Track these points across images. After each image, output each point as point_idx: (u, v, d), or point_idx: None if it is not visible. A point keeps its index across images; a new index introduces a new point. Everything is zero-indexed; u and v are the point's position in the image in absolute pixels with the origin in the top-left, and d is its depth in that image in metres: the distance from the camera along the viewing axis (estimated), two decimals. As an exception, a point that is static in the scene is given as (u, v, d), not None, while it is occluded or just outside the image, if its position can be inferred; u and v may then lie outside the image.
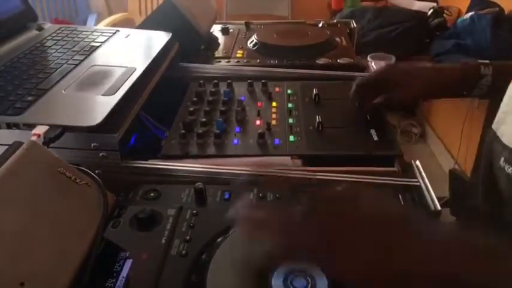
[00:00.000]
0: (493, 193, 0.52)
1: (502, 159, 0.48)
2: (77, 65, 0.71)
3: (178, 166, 0.60)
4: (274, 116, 0.73)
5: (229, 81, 0.81)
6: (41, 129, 0.52)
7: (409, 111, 2.50)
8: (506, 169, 0.47)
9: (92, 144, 0.57)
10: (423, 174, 0.58)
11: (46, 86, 0.64)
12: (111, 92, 0.62)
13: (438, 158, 2.26)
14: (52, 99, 0.61)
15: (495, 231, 0.48)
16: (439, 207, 0.52)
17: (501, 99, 0.54)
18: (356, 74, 0.84)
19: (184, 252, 0.46)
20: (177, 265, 0.44)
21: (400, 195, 0.54)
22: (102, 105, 0.59)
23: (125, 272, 0.44)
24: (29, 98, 0.60)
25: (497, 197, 0.51)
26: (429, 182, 0.57)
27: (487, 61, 0.63)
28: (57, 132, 0.52)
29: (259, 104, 0.76)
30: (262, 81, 0.81)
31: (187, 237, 0.48)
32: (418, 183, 0.57)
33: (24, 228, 0.36)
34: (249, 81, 0.81)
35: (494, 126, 0.53)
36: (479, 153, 0.59)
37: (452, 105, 2.08)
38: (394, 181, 0.58)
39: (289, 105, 0.76)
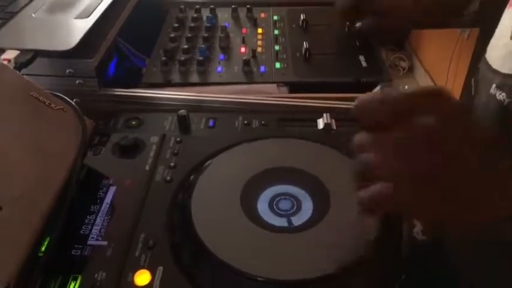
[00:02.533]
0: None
1: (494, 85, 0.47)
2: (46, -14, 0.66)
3: (160, 94, 0.58)
4: (259, 43, 0.70)
5: (212, 6, 0.77)
6: (10, 54, 0.49)
7: (398, 44, 2.45)
8: (497, 96, 0.46)
9: (67, 71, 0.54)
10: (411, 99, 0.57)
11: (14, 9, 0.59)
12: (85, 14, 0.58)
13: (425, 92, 2.26)
14: (21, 23, 0.57)
15: None
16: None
17: (492, 29, 0.52)
18: (345, -2, 0.80)
19: (168, 178, 0.45)
20: (161, 190, 0.44)
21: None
22: (75, 28, 0.55)
23: (108, 198, 0.43)
24: (-4, 22, 0.56)
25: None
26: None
27: None
28: (28, 57, 0.49)
29: (244, 30, 0.73)
30: (247, 6, 0.77)
31: (172, 164, 0.47)
32: (406, 109, 0.56)
33: (-2, 153, 0.35)
34: (233, 6, 0.77)
35: (486, 54, 0.52)
36: (465, 86, 0.57)
37: (441, 38, 2.05)
38: (382, 107, 0.57)
39: (276, 31, 0.73)
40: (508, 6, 0.48)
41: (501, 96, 0.45)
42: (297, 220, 0.39)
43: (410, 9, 0.63)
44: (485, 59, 0.50)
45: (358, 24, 0.67)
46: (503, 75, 0.46)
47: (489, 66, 0.49)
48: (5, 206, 0.32)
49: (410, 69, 2.43)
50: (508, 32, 0.46)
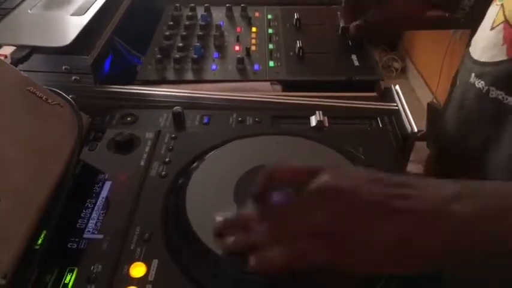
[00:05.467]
0: (463, 115, 0.52)
1: (473, 75, 0.48)
2: (42, -17, 0.66)
3: (155, 91, 0.58)
4: (253, 41, 0.71)
5: (206, 5, 0.77)
6: (7, 50, 0.49)
7: (391, 45, 2.47)
8: (476, 84, 0.47)
9: (63, 67, 0.54)
10: (402, 98, 0.59)
11: (10, 5, 0.60)
12: (81, 12, 0.59)
13: (417, 92, 2.28)
14: (18, 19, 0.57)
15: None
16: (415, 129, 0.53)
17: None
18: (339, -2, 0.81)
19: (163, 173, 0.46)
20: (156, 185, 0.44)
21: (378, 119, 0.55)
22: (71, 25, 0.56)
23: (104, 193, 0.44)
24: (-8, 18, 0.56)
25: (466, 119, 0.51)
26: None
27: None
28: (24, 53, 0.50)
29: (238, 29, 0.74)
30: (242, 5, 0.78)
31: (167, 160, 0.47)
32: (397, 108, 0.57)
33: (-5, 146, 0.35)
34: (227, 5, 0.78)
35: (470, 47, 0.53)
36: (453, 82, 0.58)
37: (434, 39, 2.07)
38: (373, 105, 0.58)
39: (270, 30, 0.73)
40: (493, 1, 0.49)
41: (480, 84, 0.47)
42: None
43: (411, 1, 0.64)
44: (468, 51, 0.51)
45: (352, 25, 0.69)
46: (481, 64, 0.47)
47: (470, 57, 0.50)
48: (2, 199, 0.33)
49: (403, 70, 2.45)
50: (489, 24, 0.47)
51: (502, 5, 0.46)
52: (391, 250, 0.30)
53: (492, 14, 0.48)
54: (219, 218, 0.36)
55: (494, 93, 0.45)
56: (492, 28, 0.46)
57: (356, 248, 0.30)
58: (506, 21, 0.44)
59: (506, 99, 0.43)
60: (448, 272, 0.36)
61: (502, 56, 0.44)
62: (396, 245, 0.30)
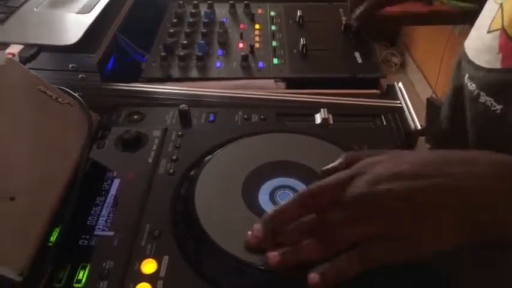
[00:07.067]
0: (458, 115, 0.52)
1: (467, 75, 0.48)
2: (47, -19, 0.66)
3: (161, 88, 0.59)
4: (257, 38, 0.71)
5: (209, 1, 0.78)
6: (15, 48, 0.50)
7: (390, 40, 2.48)
8: (468, 85, 0.47)
9: (70, 65, 0.55)
10: (405, 95, 0.59)
11: (16, 3, 0.60)
12: (86, 10, 0.59)
13: (416, 87, 2.28)
14: (24, 18, 0.58)
15: None
16: (419, 127, 0.53)
17: None
18: (342, -5, 0.81)
19: (171, 171, 0.46)
20: (165, 183, 0.45)
21: (382, 116, 0.55)
22: (77, 23, 0.56)
23: (113, 191, 0.44)
24: (-1, 16, 0.57)
25: (462, 119, 0.51)
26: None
27: None
28: (32, 52, 0.50)
29: (241, 26, 0.74)
30: (245, 2, 0.78)
31: (174, 157, 0.48)
32: (400, 105, 0.58)
33: (8, 145, 0.36)
34: (230, 2, 0.78)
35: (465, 42, 0.53)
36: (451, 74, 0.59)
37: (433, 34, 2.07)
38: (377, 103, 0.59)
39: (273, 27, 0.74)
40: None
41: (472, 86, 0.47)
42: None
43: None
44: (464, 47, 0.52)
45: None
46: (475, 67, 0.47)
47: (465, 55, 0.50)
48: (17, 197, 0.33)
49: (403, 65, 2.45)
50: (487, 24, 0.47)
51: (501, 5, 0.46)
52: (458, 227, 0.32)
53: (490, 13, 0.48)
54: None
55: (484, 98, 0.45)
56: (489, 31, 0.46)
57: (428, 236, 0.32)
58: (503, 29, 0.44)
59: (495, 106, 0.44)
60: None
61: (496, 64, 0.44)
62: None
